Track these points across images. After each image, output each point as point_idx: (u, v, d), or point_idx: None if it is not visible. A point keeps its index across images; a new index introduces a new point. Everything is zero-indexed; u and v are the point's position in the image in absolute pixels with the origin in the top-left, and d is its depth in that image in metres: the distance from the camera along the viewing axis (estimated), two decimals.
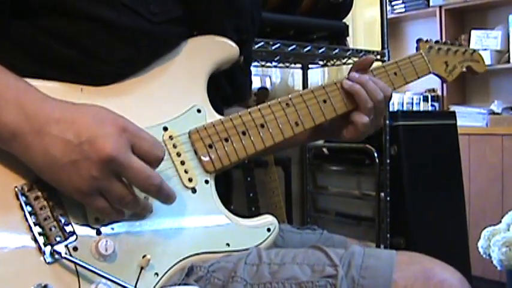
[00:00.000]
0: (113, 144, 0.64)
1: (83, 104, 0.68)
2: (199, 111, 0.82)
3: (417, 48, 1.06)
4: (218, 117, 0.83)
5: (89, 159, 0.64)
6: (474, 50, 1.15)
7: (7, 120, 0.64)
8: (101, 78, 0.76)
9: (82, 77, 0.75)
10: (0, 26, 0.74)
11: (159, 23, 0.78)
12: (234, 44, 0.87)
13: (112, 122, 0.66)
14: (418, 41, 1.07)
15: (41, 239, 0.66)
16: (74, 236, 0.68)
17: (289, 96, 0.89)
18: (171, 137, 0.79)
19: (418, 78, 1.03)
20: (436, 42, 1.09)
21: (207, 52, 0.85)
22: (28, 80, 0.69)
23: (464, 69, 1.13)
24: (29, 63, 0.74)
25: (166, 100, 0.81)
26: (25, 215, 0.66)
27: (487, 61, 3.10)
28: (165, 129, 0.79)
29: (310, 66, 2.54)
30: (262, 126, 0.85)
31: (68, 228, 0.68)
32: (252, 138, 0.84)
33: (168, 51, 0.82)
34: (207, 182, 0.80)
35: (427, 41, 1.08)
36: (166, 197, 0.71)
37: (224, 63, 0.87)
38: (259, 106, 0.86)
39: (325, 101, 0.91)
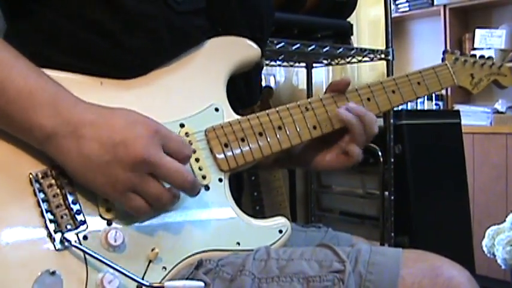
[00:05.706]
0: (145, 145, 0.66)
1: (115, 108, 0.69)
2: (217, 110, 0.83)
3: (443, 59, 1.05)
4: (236, 117, 0.83)
5: (123, 161, 0.65)
6: (502, 64, 1.13)
7: (43, 123, 0.65)
8: (123, 69, 0.77)
9: (105, 66, 0.76)
10: (21, 11, 0.75)
11: (182, 13, 0.79)
12: (256, 46, 0.88)
13: (144, 124, 0.68)
14: (445, 52, 1.06)
15: (51, 226, 0.67)
16: (85, 225, 0.69)
17: (309, 100, 0.89)
18: (187, 134, 0.79)
19: (442, 89, 1.02)
20: (462, 54, 1.08)
21: (229, 52, 0.86)
22: (51, 71, 0.70)
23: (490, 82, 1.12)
24: (52, 50, 0.75)
25: (185, 97, 0.81)
26: (38, 202, 0.67)
27: None
28: (182, 125, 0.79)
29: (314, 65, 2.54)
30: (279, 128, 0.85)
31: (79, 217, 0.69)
32: (268, 139, 0.84)
33: (190, 46, 0.82)
34: (220, 180, 0.80)
35: (453, 52, 1.07)
36: (198, 191, 0.73)
37: (246, 65, 0.88)
38: (277, 108, 0.86)
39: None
